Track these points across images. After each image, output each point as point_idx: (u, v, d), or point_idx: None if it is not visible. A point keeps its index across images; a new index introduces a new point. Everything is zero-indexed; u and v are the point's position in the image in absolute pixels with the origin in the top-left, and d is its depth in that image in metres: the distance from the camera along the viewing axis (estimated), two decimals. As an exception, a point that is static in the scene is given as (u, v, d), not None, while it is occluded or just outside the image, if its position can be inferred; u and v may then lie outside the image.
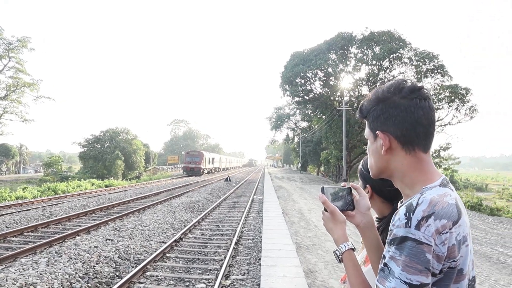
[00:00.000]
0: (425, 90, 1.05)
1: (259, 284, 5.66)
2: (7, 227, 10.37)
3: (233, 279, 6.37)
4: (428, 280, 0.90)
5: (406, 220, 0.93)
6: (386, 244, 0.98)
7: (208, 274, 6.64)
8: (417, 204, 0.94)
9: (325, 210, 1.23)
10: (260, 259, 7.08)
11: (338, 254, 1.18)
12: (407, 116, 1.03)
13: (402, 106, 1.04)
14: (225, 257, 7.57)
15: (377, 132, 1.08)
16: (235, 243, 8.76)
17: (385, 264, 0.95)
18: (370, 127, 1.11)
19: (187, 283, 6.16)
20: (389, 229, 0.98)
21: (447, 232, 0.92)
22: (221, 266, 7.01)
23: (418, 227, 0.91)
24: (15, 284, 5.32)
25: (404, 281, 0.90)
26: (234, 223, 11.83)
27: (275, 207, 14.22)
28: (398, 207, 1.08)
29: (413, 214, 0.93)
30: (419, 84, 1.07)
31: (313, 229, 10.91)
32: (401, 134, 1.04)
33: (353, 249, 1.18)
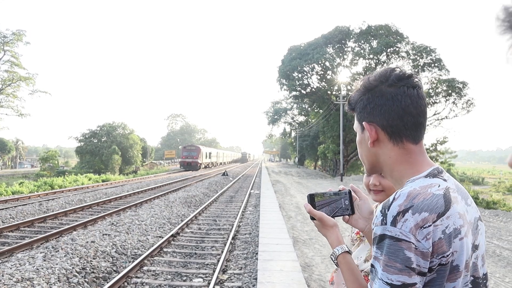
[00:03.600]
0: (414, 79, 1.00)
1: (256, 278, 5.67)
2: (3, 222, 10.33)
3: (230, 274, 6.38)
4: (412, 280, 0.84)
5: (382, 217, 0.88)
6: None
7: (206, 269, 6.64)
8: (394, 199, 0.89)
9: (313, 218, 1.18)
10: (257, 253, 7.09)
11: (333, 258, 1.14)
12: (394, 105, 0.97)
13: (389, 94, 0.98)
14: (222, 252, 7.58)
15: (363, 123, 1.03)
16: (232, 238, 8.77)
17: (372, 265, 0.90)
18: (358, 118, 1.06)
19: (184, 278, 6.17)
20: (373, 228, 0.93)
21: (429, 226, 0.84)
22: (218, 261, 7.02)
23: (393, 223, 0.85)
24: (12, 279, 5.31)
25: (386, 282, 0.84)
26: (231, 217, 11.83)
27: (272, 201, 14.25)
28: None
29: (388, 210, 0.87)
30: (409, 72, 1.01)
31: (310, 223, 10.93)
32: (388, 124, 0.98)
33: (348, 252, 1.13)
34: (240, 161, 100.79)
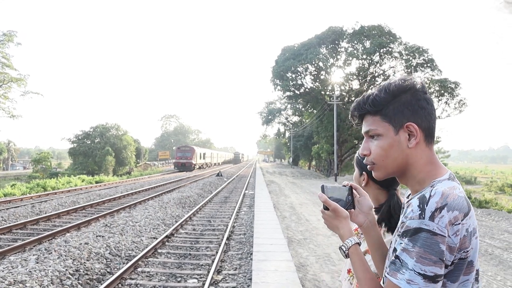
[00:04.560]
0: None
1: (250, 279, 5.67)
2: (-4, 225, 10.24)
3: (225, 274, 6.38)
4: (442, 271, 0.91)
5: (419, 212, 0.94)
6: (397, 236, 0.98)
7: (200, 270, 6.63)
8: (430, 195, 0.95)
9: (325, 208, 1.20)
10: (251, 253, 7.09)
11: (345, 249, 1.16)
12: (432, 109, 1.06)
13: (428, 99, 1.06)
14: (217, 252, 7.56)
15: (408, 123, 1.04)
16: (227, 238, 8.76)
17: (397, 257, 0.95)
18: (391, 120, 1.06)
19: (179, 279, 6.15)
20: (401, 222, 0.99)
21: (459, 224, 0.93)
22: (213, 261, 7.01)
23: (432, 218, 0.91)
24: (4, 282, 5.26)
25: (418, 273, 0.90)
26: (226, 218, 11.82)
27: (266, 201, 14.25)
28: (406, 202, 1.09)
29: (426, 206, 0.93)
30: None
31: (305, 223, 10.96)
32: (427, 126, 1.05)
33: (359, 244, 1.17)
34: (233, 162, 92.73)
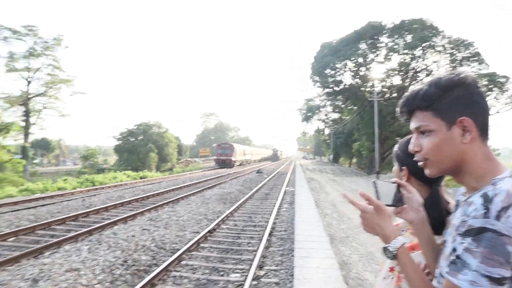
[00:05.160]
0: None
1: (292, 275, 5.69)
2: (52, 216, 10.88)
3: (267, 270, 6.43)
4: (508, 274, 0.85)
5: (484, 211, 0.89)
6: (457, 235, 0.94)
7: (242, 264, 6.72)
8: (495, 194, 0.90)
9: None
10: (293, 250, 7.10)
11: (392, 249, 1.10)
12: (485, 103, 1.02)
13: (480, 92, 1.02)
14: (258, 248, 7.63)
15: (461, 118, 1.00)
16: (268, 234, 8.81)
17: (458, 257, 0.91)
18: (443, 115, 1.02)
19: (222, 273, 6.27)
20: (461, 220, 0.94)
21: None
22: (254, 257, 7.08)
23: (498, 217, 0.86)
24: (61, 269, 5.62)
25: (483, 274, 0.85)
26: (267, 214, 11.88)
27: (307, 199, 14.19)
28: (463, 200, 1.03)
29: (491, 204, 0.88)
30: None
31: (347, 221, 10.82)
32: (482, 121, 1.01)
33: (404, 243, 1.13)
34: (271, 159, 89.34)
